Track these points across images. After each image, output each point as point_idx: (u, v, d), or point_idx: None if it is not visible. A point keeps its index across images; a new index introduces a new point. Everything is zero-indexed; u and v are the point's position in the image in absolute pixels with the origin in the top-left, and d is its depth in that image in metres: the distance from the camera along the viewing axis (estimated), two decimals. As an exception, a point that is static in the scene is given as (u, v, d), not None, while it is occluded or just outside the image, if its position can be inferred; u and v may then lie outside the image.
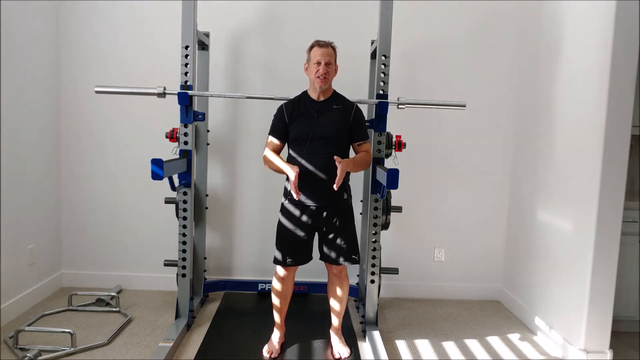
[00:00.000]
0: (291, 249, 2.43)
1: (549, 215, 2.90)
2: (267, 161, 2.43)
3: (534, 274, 3.05)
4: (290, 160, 2.41)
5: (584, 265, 2.51)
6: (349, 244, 2.45)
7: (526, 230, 3.18)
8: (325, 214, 2.41)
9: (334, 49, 2.41)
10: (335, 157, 2.26)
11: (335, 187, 2.25)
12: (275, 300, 2.54)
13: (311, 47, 2.41)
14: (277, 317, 2.59)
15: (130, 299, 3.24)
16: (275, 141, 2.45)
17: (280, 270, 2.48)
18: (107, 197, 3.39)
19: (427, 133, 3.40)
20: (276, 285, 2.51)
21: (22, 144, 2.95)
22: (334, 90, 2.48)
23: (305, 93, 2.48)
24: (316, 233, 2.48)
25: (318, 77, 2.34)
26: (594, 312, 2.48)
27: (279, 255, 2.44)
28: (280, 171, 2.37)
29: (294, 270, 2.52)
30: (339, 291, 2.55)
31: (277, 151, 2.45)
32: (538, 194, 3.04)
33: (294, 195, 2.29)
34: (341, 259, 2.45)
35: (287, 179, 2.44)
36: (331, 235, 2.43)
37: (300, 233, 2.42)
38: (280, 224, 2.48)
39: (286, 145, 2.49)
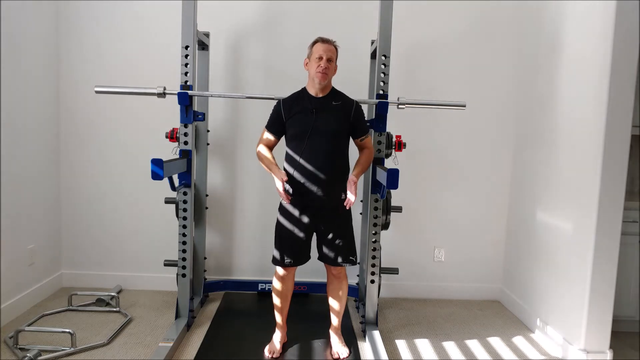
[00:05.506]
0: (290, 249, 2.43)
1: (549, 215, 2.90)
2: (259, 156, 2.47)
3: (534, 274, 3.05)
4: (287, 158, 2.41)
5: (584, 265, 2.51)
6: (347, 245, 2.45)
7: (526, 230, 3.18)
8: (324, 213, 2.41)
9: (336, 47, 2.41)
10: (351, 179, 2.35)
11: (347, 206, 2.36)
12: (276, 300, 2.54)
13: (314, 43, 2.40)
14: (278, 318, 2.59)
15: (130, 299, 3.24)
16: (270, 137, 2.47)
17: (280, 270, 2.48)
18: (107, 197, 3.39)
19: (427, 133, 3.40)
20: (276, 285, 2.51)
21: (22, 144, 2.95)
22: (333, 87, 2.48)
23: (304, 89, 2.47)
24: (314, 233, 2.48)
25: (319, 72, 2.34)
26: (594, 312, 2.48)
27: (277, 255, 2.44)
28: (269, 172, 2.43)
29: (293, 270, 2.52)
30: (338, 291, 2.55)
31: (271, 146, 2.48)
32: (538, 193, 3.04)
33: (285, 200, 2.38)
34: (340, 260, 2.45)
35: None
36: (330, 236, 2.43)
37: (300, 234, 2.42)
38: (278, 223, 2.47)
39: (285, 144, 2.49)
